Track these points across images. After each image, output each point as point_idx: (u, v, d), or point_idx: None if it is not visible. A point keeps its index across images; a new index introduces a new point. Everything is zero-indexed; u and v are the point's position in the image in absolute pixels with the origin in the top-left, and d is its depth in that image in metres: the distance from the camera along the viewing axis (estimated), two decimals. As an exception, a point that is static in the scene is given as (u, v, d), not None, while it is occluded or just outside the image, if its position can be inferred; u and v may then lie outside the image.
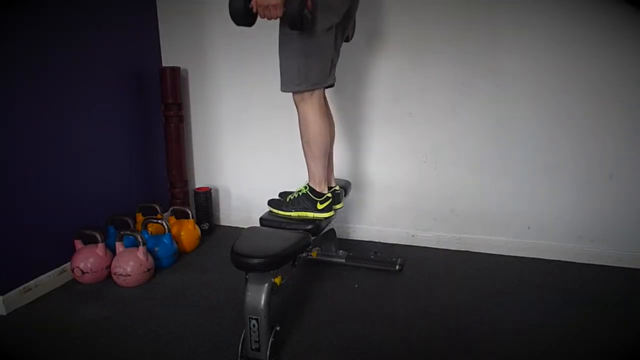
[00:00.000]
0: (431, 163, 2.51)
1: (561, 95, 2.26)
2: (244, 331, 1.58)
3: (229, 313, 1.92)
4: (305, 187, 1.89)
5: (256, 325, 1.55)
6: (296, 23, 1.52)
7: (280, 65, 1.77)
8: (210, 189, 2.85)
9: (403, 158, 2.54)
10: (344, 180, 2.48)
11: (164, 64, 2.80)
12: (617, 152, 2.24)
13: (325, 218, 1.89)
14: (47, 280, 2.13)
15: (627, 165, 2.25)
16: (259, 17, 1.60)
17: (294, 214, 1.88)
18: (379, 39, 2.43)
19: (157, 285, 2.20)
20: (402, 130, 2.50)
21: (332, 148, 2.03)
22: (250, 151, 2.83)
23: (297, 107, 1.80)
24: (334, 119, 2.22)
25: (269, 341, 1.57)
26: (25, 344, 1.76)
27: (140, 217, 2.54)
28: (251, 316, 1.55)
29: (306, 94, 1.74)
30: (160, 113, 2.72)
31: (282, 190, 2.09)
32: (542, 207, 2.41)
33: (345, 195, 2.32)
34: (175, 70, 2.64)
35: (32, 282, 2.06)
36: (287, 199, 1.92)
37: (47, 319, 1.92)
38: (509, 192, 2.44)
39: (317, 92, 1.76)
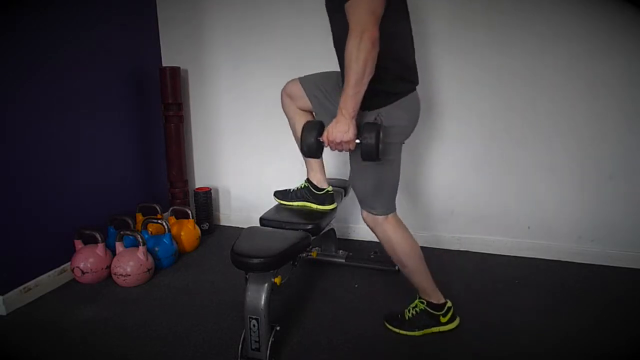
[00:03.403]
0: (431, 163, 2.51)
1: (561, 95, 2.26)
2: (244, 331, 1.58)
3: (229, 313, 1.92)
4: (422, 303, 1.79)
5: (256, 325, 1.55)
6: (372, 156, 1.48)
7: (354, 188, 1.73)
8: (210, 189, 2.85)
9: (403, 158, 2.53)
10: (343, 180, 2.48)
11: (164, 64, 2.80)
12: (617, 152, 2.24)
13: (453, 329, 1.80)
14: (47, 280, 2.13)
15: (627, 165, 2.25)
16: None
17: (418, 332, 1.78)
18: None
19: (157, 285, 2.20)
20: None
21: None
22: (250, 151, 2.83)
23: (373, 230, 1.74)
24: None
25: (269, 341, 1.57)
26: (25, 344, 1.76)
27: (140, 217, 2.54)
28: (251, 316, 1.55)
29: (381, 218, 1.70)
30: (160, 113, 2.72)
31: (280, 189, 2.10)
32: (542, 207, 2.41)
33: (345, 195, 2.32)
34: (175, 70, 2.64)
35: (32, 282, 2.06)
36: (406, 317, 1.82)
37: (47, 319, 1.91)
38: (509, 192, 2.44)
39: (392, 214, 1.73)
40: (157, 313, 1.95)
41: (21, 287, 2.01)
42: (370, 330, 1.82)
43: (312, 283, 2.20)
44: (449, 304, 1.79)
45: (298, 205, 1.98)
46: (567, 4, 2.16)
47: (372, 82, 1.44)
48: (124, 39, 2.51)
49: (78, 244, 2.22)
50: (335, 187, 2.33)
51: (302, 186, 2.00)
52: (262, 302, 1.54)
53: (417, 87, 1.64)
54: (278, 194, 2.04)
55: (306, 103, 1.84)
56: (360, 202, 1.73)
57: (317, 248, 2.40)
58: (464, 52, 2.32)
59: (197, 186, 2.96)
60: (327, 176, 2.45)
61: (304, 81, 1.84)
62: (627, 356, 1.69)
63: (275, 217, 1.90)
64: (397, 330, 1.80)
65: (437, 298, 1.78)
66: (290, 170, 2.71)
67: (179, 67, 2.67)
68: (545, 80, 2.26)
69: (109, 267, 2.20)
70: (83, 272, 2.16)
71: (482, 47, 2.30)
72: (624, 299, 2.04)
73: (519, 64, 2.27)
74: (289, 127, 1.96)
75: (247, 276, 1.60)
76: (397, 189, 1.74)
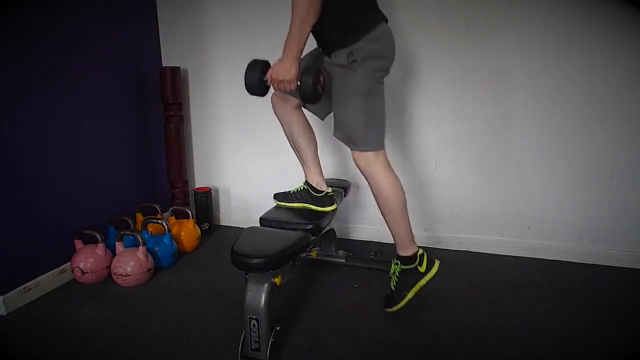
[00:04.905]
0: (431, 163, 2.51)
1: (561, 95, 2.26)
2: (244, 331, 1.59)
3: (229, 313, 1.92)
4: (397, 264, 1.80)
5: (256, 325, 1.55)
6: (309, 98, 1.57)
7: (344, 126, 1.71)
8: (210, 189, 2.85)
9: (403, 158, 2.54)
10: (343, 180, 2.49)
11: (164, 64, 2.80)
12: (617, 152, 2.24)
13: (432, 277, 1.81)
14: (47, 280, 2.13)
15: (627, 165, 2.25)
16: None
17: (409, 295, 1.78)
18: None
19: (157, 285, 2.20)
20: (403, 131, 2.50)
21: (316, 151, 2.00)
22: (250, 151, 2.83)
23: (363, 171, 1.74)
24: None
25: (269, 341, 1.58)
26: (25, 344, 1.76)
27: (140, 217, 2.54)
28: (251, 316, 1.55)
29: (371, 155, 1.70)
30: (160, 113, 2.72)
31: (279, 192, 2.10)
32: (542, 207, 2.41)
33: (345, 195, 2.32)
34: (175, 70, 2.64)
35: (32, 282, 2.06)
36: (393, 289, 1.82)
37: (47, 319, 1.92)
38: (509, 192, 2.44)
39: (382, 151, 1.73)
40: (157, 313, 1.95)
41: (21, 287, 2.01)
42: (370, 330, 1.82)
43: (312, 283, 2.20)
44: (420, 251, 1.79)
45: (298, 207, 1.98)
46: (567, 4, 2.16)
47: (341, 18, 1.50)
48: (124, 39, 2.51)
49: (78, 244, 2.22)
50: (335, 187, 2.33)
51: (301, 188, 2.00)
52: (262, 302, 1.54)
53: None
54: (278, 196, 2.05)
55: (296, 96, 1.80)
56: (351, 141, 1.71)
57: (317, 248, 2.40)
58: (464, 53, 2.32)
59: (197, 186, 2.96)
60: (327, 176, 2.45)
61: None
62: (627, 356, 1.69)
63: (275, 217, 1.90)
64: (394, 308, 1.80)
65: (413, 248, 1.78)
66: (291, 170, 2.71)
67: (179, 67, 2.67)
68: (545, 81, 2.26)
69: (109, 267, 2.20)
70: (83, 272, 2.16)
71: (482, 48, 2.30)
72: (624, 299, 2.04)
73: (519, 65, 2.27)
74: (284, 134, 1.95)
75: (247, 276, 1.60)
76: (384, 125, 1.73)
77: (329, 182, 2.44)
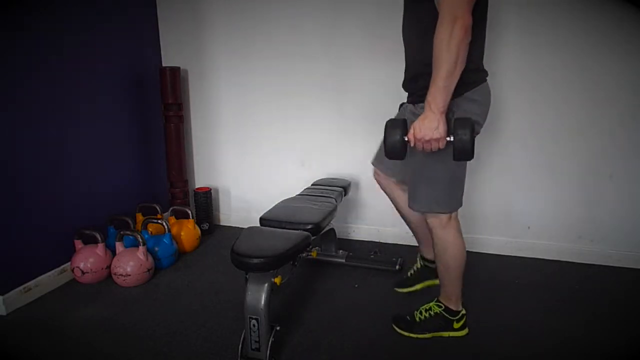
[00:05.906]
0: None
1: (561, 95, 2.26)
2: (244, 331, 1.59)
3: (229, 313, 1.92)
4: (439, 306, 1.76)
5: (256, 325, 1.55)
6: (467, 154, 1.35)
7: (417, 188, 1.62)
8: (210, 189, 2.85)
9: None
10: (343, 180, 2.49)
11: (164, 64, 2.80)
12: (617, 152, 2.24)
13: (462, 336, 1.77)
14: (47, 280, 2.13)
15: (627, 165, 2.25)
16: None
17: (428, 335, 1.75)
18: (379, 39, 2.42)
19: (157, 285, 2.20)
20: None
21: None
22: (250, 151, 2.83)
23: (433, 231, 1.66)
24: (336, 117, 2.22)
25: (269, 341, 1.58)
26: (25, 344, 1.76)
27: (140, 217, 2.54)
28: (251, 316, 1.55)
29: (445, 218, 1.63)
30: (160, 113, 2.72)
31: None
32: (542, 207, 2.41)
33: (345, 195, 2.32)
34: (175, 70, 2.64)
35: (32, 282, 2.06)
36: (417, 319, 1.78)
37: (47, 319, 1.91)
38: (509, 192, 2.44)
39: (455, 213, 1.66)
40: (157, 313, 1.95)
41: (21, 287, 2.01)
42: (370, 330, 1.82)
43: (312, 283, 2.20)
44: (464, 311, 1.78)
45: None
46: (566, 4, 2.16)
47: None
48: (124, 39, 2.51)
49: (78, 244, 2.22)
50: (336, 186, 2.34)
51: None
52: (262, 302, 1.54)
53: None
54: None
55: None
56: (428, 202, 1.63)
57: (317, 248, 2.40)
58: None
59: (197, 186, 2.96)
60: (327, 175, 2.44)
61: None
62: (627, 356, 1.69)
63: (275, 217, 1.90)
64: (406, 333, 1.78)
65: (457, 306, 1.76)
66: (290, 170, 2.71)
67: (179, 67, 2.67)
68: (545, 80, 2.26)
69: (109, 267, 2.20)
70: (83, 272, 2.16)
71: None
72: (624, 299, 2.04)
73: (517, 66, 2.27)
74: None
75: (247, 276, 1.60)
76: (464, 186, 1.65)
77: (330, 181, 2.44)
